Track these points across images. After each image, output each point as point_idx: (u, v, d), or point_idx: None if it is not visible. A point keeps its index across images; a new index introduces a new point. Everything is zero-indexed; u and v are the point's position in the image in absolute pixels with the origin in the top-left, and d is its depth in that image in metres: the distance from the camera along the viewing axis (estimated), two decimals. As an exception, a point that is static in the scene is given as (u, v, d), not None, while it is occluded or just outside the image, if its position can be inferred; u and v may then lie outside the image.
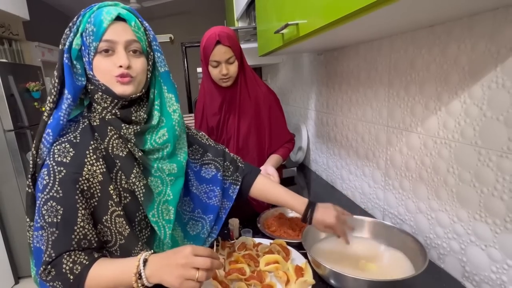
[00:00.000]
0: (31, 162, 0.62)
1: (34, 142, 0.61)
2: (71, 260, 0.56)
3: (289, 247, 0.82)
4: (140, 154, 0.64)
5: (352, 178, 1.19)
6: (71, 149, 0.59)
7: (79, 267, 0.56)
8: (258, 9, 1.21)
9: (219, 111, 1.12)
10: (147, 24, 0.64)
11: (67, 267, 0.56)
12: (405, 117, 0.84)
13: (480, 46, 0.60)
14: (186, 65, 2.79)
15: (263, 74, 2.54)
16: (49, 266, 0.56)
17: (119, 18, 0.58)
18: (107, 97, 0.60)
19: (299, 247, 0.80)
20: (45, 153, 0.59)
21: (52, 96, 0.60)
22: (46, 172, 0.57)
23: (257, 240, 0.87)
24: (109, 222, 0.62)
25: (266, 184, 0.85)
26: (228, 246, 0.84)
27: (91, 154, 0.60)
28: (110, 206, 0.61)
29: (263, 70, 2.53)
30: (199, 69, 1.52)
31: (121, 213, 0.62)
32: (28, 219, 0.64)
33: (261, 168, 1.04)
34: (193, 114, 1.24)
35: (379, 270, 0.72)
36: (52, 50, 3.17)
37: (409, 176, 0.85)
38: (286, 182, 1.40)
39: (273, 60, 1.93)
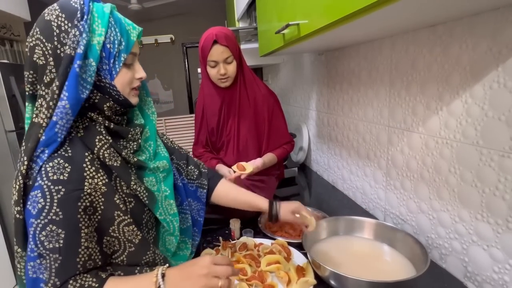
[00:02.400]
0: (18, 184, 0.52)
1: (24, 163, 0.51)
2: (78, 285, 0.52)
3: (290, 247, 0.82)
4: (135, 159, 0.63)
5: (353, 178, 1.19)
6: (66, 164, 0.52)
7: None
8: (259, 9, 1.21)
9: (219, 112, 1.12)
10: None
11: None
12: (407, 117, 0.83)
13: (482, 46, 0.60)
14: (187, 66, 2.80)
15: (264, 74, 2.54)
16: None
17: None
18: (116, 106, 0.59)
19: (300, 247, 0.80)
20: (35, 172, 0.52)
21: (50, 110, 0.51)
22: (40, 195, 0.50)
23: (258, 240, 0.87)
24: (116, 232, 0.59)
25: (229, 187, 0.86)
26: (230, 246, 0.84)
27: (89, 166, 0.54)
28: (116, 217, 0.58)
29: (264, 70, 2.53)
30: (200, 69, 1.51)
31: (130, 220, 0.59)
32: (19, 249, 0.55)
33: (251, 161, 1.05)
34: (193, 115, 1.24)
35: (380, 271, 0.72)
36: (53, 51, 3.18)
37: (410, 176, 0.85)
38: (287, 182, 1.40)
39: (274, 60, 1.93)
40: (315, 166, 1.59)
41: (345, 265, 0.73)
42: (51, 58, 0.52)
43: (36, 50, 0.52)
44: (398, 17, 0.61)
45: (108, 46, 0.54)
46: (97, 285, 0.53)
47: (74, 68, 0.50)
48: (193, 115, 1.25)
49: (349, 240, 0.83)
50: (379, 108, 0.96)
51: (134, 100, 0.62)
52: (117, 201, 0.58)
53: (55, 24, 0.52)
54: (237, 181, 1.07)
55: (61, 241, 0.51)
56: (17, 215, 0.52)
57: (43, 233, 0.50)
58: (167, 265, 0.57)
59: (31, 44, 0.52)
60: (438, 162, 0.74)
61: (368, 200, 1.09)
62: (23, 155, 0.53)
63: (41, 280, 0.51)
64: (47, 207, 0.50)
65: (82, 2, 0.53)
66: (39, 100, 0.53)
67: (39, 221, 0.50)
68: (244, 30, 1.63)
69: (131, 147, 0.63)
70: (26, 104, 0.56)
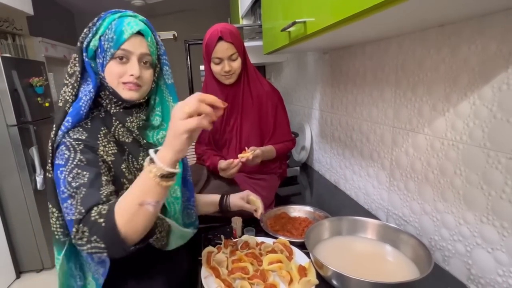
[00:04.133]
0: (50, 148, 0.64)
1: (54, 130, 0.64)
2: (97, 209, 0.54)
3: (292, 247, 0.81)
4: (144, 141, 0.73)
5: (356, 179, 1.18)
6: (84, 132, 0.64)
7: (106, 207, 0.54)
8: (264, 6, 1.20)
9: (222, 110, 1.11)
10: (159, 39, 0.73)
11: (96, 214, 0.53)
12: (412, 118, 0.83)
13: (491, 47, 0.59)
14: (189, 63, 2.79)
15: (266, 72, 2.53)
16: (80, 225, 0.53)
17: (138, 32, 0.65)
18: (112, 97, 0.68)
19: (302, 246, 0.80)
20: (60, 136, 0.63)
21: (75, 89, 0.65)
22: (64, 148, 0.60)
23: (260, 239, 0.87)
24: None
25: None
26: (231, 244, 0.83)
27: (102, 137, 0.66)
28: (125, 182, 0.68)
29: (266, 68, 2.52)
30: (202, 67, 1.50)
31: None
32: (54, 209, 0.65)
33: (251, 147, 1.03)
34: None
35: (383, 272, 0.72)
36: (56, 46, 3.17)
37: (414, 178, 0.84)
38: (288, 181, 1.39)
39: (277, 58, 1.92)
40: (317, 165, 1.59)
41: (348, 265, 0.72)
42: (75, 54, 0.66)
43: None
44: (406, 16, 0.60)
45: (102, 43, 0.64)
46: (112, 202, 0.55)
47: (83, 58, 0.65)
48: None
49: (352, 240, 0.83)
50: (384, 108, 0.96)
51: (125, 94, 0.67)
52: (124, 170, 0.68)
53: (86, 28, 0.66)
54: (237, 179, 1.07)
55: (85, 179, 0.58)
56: (48, 175, 0.65)
57: (70, 175, 0.58)
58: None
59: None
60: (444, 164, 0.73)
61: (371, 201, 1.09)
62: (53, 126, 0.64)
63: (71, 221, 0.56)
64: (72, 155, 0.60)
65: (109, 12, 0.65)
66: (64, 88, 0.65)
67: (66, 167, 0.59)
68: (248, 28, 1.62)
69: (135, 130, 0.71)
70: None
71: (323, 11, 0.65)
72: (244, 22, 1.83)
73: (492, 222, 0.62)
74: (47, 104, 2.27)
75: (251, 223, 0.95)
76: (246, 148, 1.01)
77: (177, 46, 3.91)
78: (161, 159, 0.51)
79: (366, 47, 1.02)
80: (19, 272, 2.10)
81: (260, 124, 1.12)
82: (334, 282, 0.67)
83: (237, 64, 1.01)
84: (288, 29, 0.84)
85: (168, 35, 3.00)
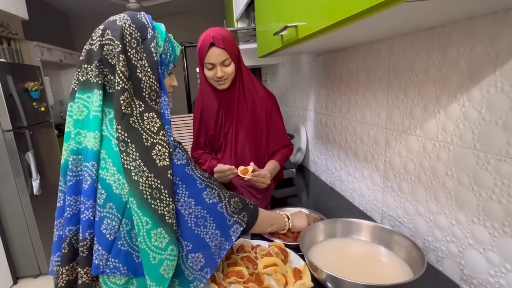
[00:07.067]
0: (170, 150, 0.64)
1: (171, 135, 0.66)
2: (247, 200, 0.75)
3: (287, 250, 0.82)
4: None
5: (351, 180, 1.19)
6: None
7: (253, 204, 0.76)
8: (257, 10, 1.21)
9: (216, 115, 1.11)
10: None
11: (248, 201, 0.74)
12: (404, 120, 0.84)
13: (479, 49, 0.60)
14: (185, 65, 2.80)
15: (262, 74, 2.54)
16: (236, 199, 0.71)
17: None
18: None
19: (297, 249, 0.80)
20: (171, 141, 0.65)
21: (158, 105, 0.65)
22: (180, 152, 0.66)
23: (256, 242, 0.87)
24: None
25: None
26: (227, 248, 0.83)
27: None
28: None
29: (262, 70, 2.52)
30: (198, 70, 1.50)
31: None
32: (168, 195, 0.61)
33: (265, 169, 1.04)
34: (192, 115, 1.24)
35: (377, 274, 0.72)
36: (51, 50, 3.16)
37: (407, 179, 0.85)
38: (285, 183, 1.40)
39: (272, 61, 1.93)
40: (313, 167, 1.59)
41: (342, 268, 0.73)
42: (123, 56, 0.59)
43: (105, 48, 0.60)
44: (396, 20, 0.61)
45: (163, 56, 0.65)
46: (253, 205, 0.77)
47: (160, 73, 0.64)
48: (192, 115, 1.24)
49: (346, 243, 0.83)
50: (377, 110, 0.96)
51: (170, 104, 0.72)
52: None
53: (127, 32, 0.60)
54: (234, 180, 1.07)
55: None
56: (169, 176, 0.62)
57: (197, 171, 0.67)
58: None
59: (102, 43, 0.60)
60: (435, 165, 0.74)
61: (366, 202, 1.09)
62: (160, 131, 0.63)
63: (216, 203, 0.67)
64: (189, 158, 0.67)
65: (147, 19, 0.64)
66: (125, 94, 0.59)
67: (191, 166, 0.66)
68: (242, 31, 1.62)
69: None
70: (86, 91, 0.61)
71: (314, 15, 0.66)
72: (239, 25, 1.84)
73: (483, 223, 0.63)
74: (42, 109, 2.27)
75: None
76: (251, 163, 1.01)
77: (173, 49, 3.90)
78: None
79: (359, 50, 1.03)
80: (16, 278, 2.09)
81: (255, 129, 1.12)
82: (329, 285, 0.67)
83: (230, 69, 1.01)
84: (281, 33, 0.85)
85: (164, 38, 3.00)
